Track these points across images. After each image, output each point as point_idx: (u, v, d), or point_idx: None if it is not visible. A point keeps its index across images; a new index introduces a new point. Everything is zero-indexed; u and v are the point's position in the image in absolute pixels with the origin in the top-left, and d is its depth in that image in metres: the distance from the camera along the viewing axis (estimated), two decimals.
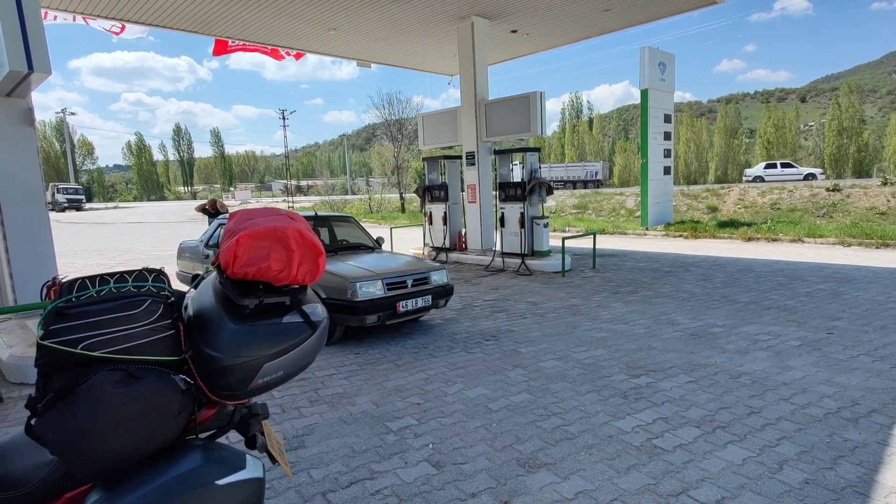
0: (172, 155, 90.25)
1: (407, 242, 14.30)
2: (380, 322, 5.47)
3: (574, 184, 40.79)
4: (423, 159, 13.20)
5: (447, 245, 12.00)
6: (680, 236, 14.75)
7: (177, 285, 1.68)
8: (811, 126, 76.78)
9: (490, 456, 3.15)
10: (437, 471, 3.00)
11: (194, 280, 1.68)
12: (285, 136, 58.90)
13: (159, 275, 1.47)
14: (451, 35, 11.93)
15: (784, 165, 30.67)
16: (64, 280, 1.36)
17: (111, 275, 1.38)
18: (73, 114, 66.33)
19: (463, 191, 12.27)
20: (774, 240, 13.09)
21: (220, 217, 8.78)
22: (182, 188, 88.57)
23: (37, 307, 4.82)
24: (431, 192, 12.21)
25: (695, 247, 12.72)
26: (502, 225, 10.50)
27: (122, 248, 16.76)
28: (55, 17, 9.63)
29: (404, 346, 5.51)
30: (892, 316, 5.98)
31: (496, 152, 11.28)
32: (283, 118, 54.73)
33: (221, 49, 12.00)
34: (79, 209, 44.58)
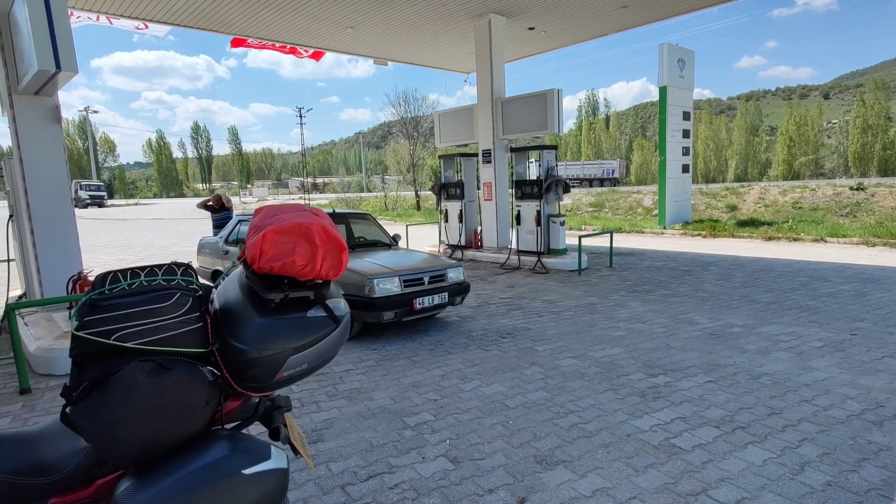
0: (191, 152, 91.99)
1: (422, 240, 14.33)
2: (396, 318, 5.50)
3: (590, 182, 40.56)
4: (439, 157, 13.20)
5: (463, 243, 12.01)
6: (698, 235, 14.55)
7: None
8: (834, 123, 75.14)
9: (507, 452, 3.15)
10: (454, 466, 3.01)
11: (214, 276, 1.71)
12: (302, 134, 59.52)
13: (188, 269, 1.51)
14: (468, 33, 11.91)
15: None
16: (93, 274, 1.40)
17: (142, 268, 1.42)
18: (95, 112, 68.21)
19: (479, 188, 12.25)
20: (796, 239, 12.85)
21: (238, 214, 8.89)
22: (200, 185, 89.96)
23: (64, 300, 4.93)
24: (447, 189, 12.22)
25: (713, 246, 12.54)
26: (518, 223, 10.47)
27: (144, 243, 17.08)
28: (78, 18, 9.81)
29: (421, 342, 5.54)
30: None
31: (512, 150, 11.25)
32: (300, 116, 55.26)
33: (240, 42, 12.13)
34: (101, 205, 45.53)
